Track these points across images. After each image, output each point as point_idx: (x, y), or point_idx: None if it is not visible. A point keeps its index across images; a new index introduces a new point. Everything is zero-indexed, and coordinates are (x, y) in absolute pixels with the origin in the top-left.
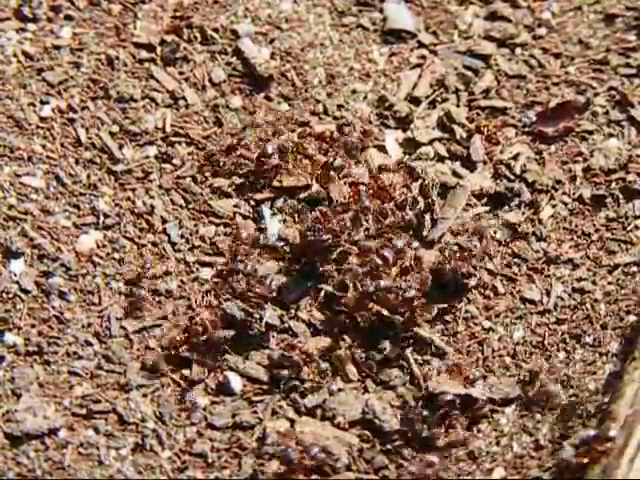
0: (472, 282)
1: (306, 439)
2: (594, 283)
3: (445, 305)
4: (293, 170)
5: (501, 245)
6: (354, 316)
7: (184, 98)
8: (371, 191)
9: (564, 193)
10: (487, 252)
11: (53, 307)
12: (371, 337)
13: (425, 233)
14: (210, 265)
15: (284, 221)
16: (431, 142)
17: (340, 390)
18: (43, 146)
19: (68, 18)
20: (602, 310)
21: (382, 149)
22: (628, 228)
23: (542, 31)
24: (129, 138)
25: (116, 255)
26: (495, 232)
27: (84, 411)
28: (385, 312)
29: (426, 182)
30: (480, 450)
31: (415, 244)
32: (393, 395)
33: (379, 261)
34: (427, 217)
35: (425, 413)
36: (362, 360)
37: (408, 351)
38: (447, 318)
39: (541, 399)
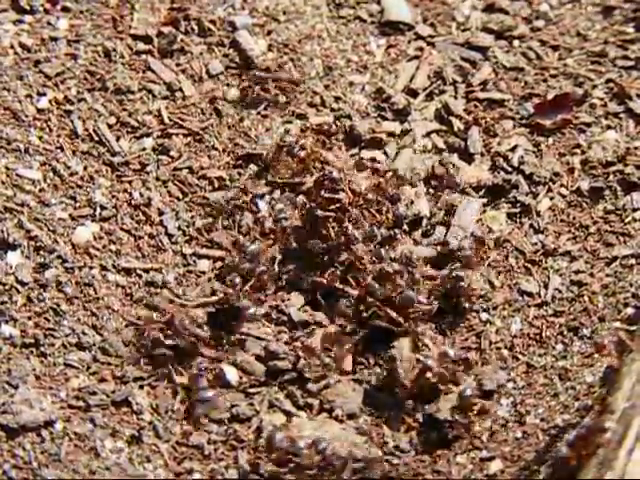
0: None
1: (304, 433)
2: (592, 275)
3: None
4: (290, 164)
5: (499, 238)
6: (355, 310)
7: (181, 90)
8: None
9: (562, 185)
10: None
11: (50, 299)
12: (369, 330)
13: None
14: (207, 257)
15: (281, 212)
16: (428, 134)
17: (338, 382)
18: (40, 138)
19: (65, 10)
20: (600, 302)
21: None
22: (626, 220)
23: (540, 23)
24: (126, 130)
25: (113, 247)
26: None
27: (80, 403)
28: (383, 308)
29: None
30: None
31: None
32: (389, 388)
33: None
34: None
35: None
36: (359, 353)
37: (405, 343)
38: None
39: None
